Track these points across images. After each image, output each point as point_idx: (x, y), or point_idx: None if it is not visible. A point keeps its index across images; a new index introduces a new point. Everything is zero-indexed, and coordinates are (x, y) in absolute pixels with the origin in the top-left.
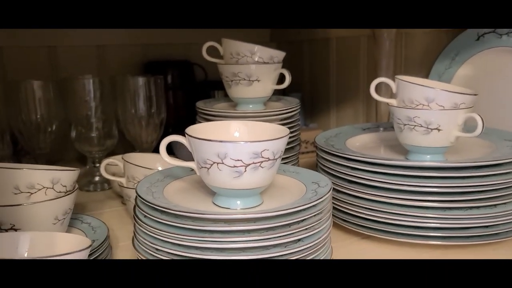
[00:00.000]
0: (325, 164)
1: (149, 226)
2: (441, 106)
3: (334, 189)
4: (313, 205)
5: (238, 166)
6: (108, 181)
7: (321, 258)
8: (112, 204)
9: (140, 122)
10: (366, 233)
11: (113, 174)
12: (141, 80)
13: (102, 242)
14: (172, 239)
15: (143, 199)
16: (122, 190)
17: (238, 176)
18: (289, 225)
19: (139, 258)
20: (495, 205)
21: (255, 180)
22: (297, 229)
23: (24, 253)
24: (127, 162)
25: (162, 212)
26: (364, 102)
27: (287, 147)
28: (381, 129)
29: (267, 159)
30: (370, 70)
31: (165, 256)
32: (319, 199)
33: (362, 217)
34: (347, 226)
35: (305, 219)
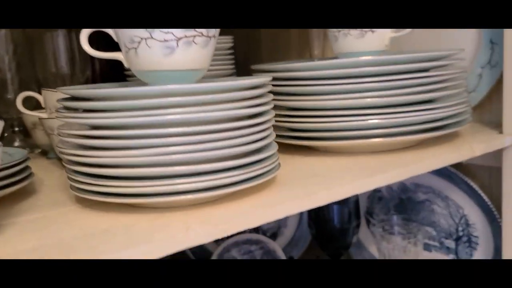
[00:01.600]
0: None
1: (75, 117)
2: None
3: None
4: (255, 81)
5: (168, 40)
6: (30, 144)
7: (268, 142)
8: (36, 162)
9: (64, 80)
10: (308, 144)
11: (34, 125)
12: (61, 34)
13: (22, 161)
14: (101, 118)
15: (65, 93)
16: (44, 124)
17: (170, 53)
18: (232, 100)
19: (64, 166)
20: (434, 99)
21: (188, 59)
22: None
23: None
24: (48, 90)
25: (88, 99)
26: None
27: None
28: (316, 60)
29: (200, 34)
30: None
31: (93, 143)
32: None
33: (300, 129)
34: (287, 142)
35: (249, 97)
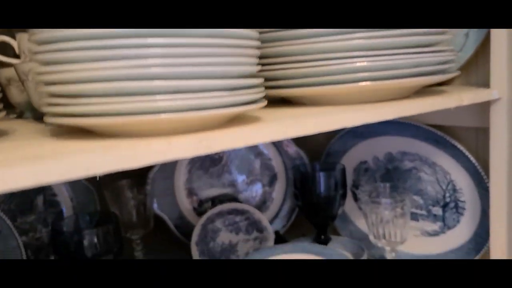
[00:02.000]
0: None
1: (51, 31)
2: None
3: None
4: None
5: None
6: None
7: (254, 69)
8: (12, 122)
9: None
10: (294, 92)
11: (9, 80)
12: None
13: None
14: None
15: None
16: (18, 71)
17: None
18: (212, 44)
19: (40, 92)
20: (422, 44)
21: None
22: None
23: None
24: (23, 33)
25: (64, 40)
26: None
27: None
28: None
29: None
30: None
31: (67, 56)
32: None
33: (285, 77)
34: (273, 93)
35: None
